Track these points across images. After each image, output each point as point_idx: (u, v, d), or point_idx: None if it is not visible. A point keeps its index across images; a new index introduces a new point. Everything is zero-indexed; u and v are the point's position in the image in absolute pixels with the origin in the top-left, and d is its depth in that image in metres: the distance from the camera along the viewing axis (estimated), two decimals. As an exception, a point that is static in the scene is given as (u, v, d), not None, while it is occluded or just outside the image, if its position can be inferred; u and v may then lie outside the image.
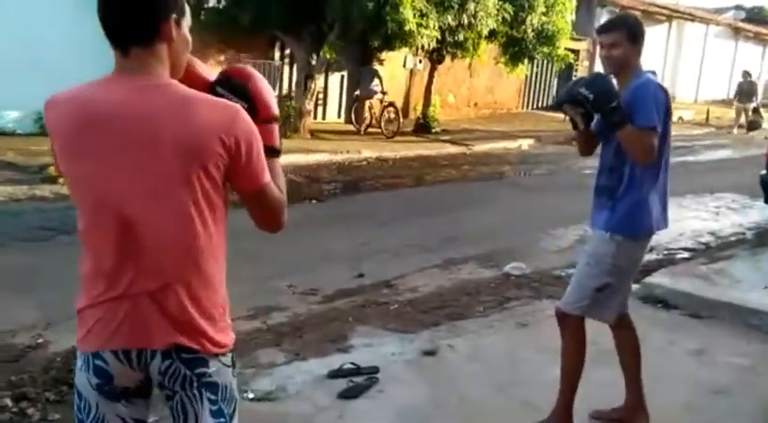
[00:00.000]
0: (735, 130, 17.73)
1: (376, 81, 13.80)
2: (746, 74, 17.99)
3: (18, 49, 10.31)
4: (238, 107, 1.51)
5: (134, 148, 1.45)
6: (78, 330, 1.60)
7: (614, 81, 2.79)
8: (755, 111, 17.63)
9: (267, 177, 1.56)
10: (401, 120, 13.71)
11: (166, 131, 1.44)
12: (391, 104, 13.71)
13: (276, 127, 1.67)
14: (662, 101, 2.75)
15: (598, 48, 2.91)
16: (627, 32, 2.80)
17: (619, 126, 2.70)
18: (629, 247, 2.84)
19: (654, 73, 2.91)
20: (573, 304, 2.93)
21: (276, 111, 1.66)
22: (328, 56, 12.65)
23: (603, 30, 2.87)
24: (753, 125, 17.40)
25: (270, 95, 1.65)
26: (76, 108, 1.48)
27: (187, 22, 1.56)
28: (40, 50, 10.49)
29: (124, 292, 1.52)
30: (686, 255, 6.48)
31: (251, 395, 3.29)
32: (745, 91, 17.36)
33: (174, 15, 1.49)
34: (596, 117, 2.82)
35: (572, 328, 2.96)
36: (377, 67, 14.31)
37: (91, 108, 1.47)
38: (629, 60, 2.81)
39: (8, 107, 10.42)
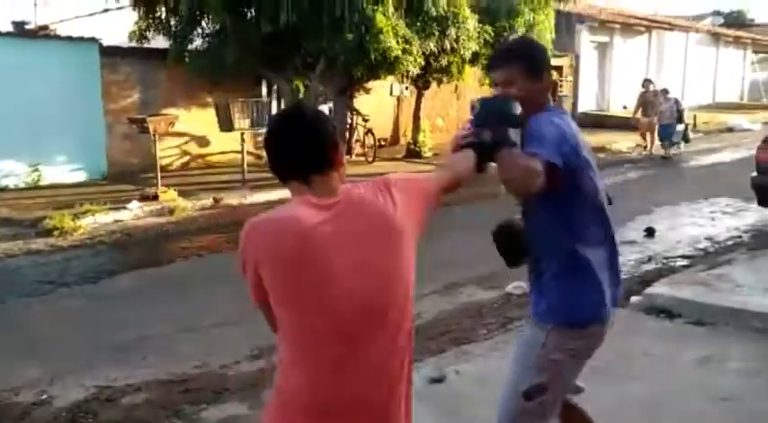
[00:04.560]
0: (650, 149, 14.93)
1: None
2: (648, 82, 15.45)
3: (8, 105, 10.38)
4: (382, 177, 1.82)
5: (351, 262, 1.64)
6: None
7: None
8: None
9: (428, 182, 1.92)
10: (376, 144, 13.91)
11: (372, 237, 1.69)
12: (369, 131, 13.94)
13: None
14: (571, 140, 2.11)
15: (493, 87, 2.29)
16: (522, 65, 2.18)
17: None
18: (567, 337, 2.16)
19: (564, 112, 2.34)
20: (503, 420, 2.25)
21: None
22: (300, 87, 12.69)
23: (493, 65, 2.27)
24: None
25: None
26: (288, 237, 1.62)
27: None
28: (31, 107, 10.57)
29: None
30: (685, 262, 6.49)
31: (260, 437, 3.26)
32: (650, 102, 14.73)
33: (340, 144, 1.76)
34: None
35: None
36: (357, 98, 14.34)
37: (301, 236, 1.61)
38: (533, 99, 2.16)
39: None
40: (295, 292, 1.62)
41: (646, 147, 15.21)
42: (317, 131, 1.70)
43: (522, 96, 2.12)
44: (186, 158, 12.97)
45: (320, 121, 1.73)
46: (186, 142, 12.90)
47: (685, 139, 14.96)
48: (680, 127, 14.47)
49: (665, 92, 14.99)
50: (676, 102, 14.57)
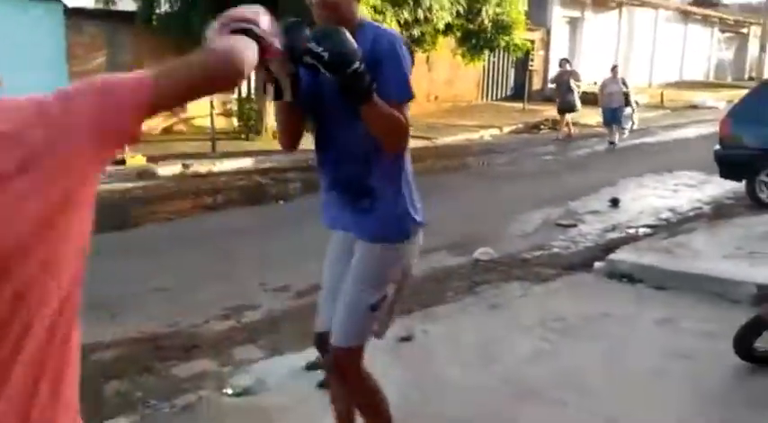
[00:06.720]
0: (560, 135, 14.27)
1: None
2: (565, 62, 14.72)
3: None
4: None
5: None
6: None
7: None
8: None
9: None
10: None
11: None
12: None
13: None
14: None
15: (315, 9, 2.00)
16: None
17: (363, 99, 1.90)
18: (409, 249, 2.23)
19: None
20: (351, 335, 2.22)
21: None
22: None
23: None
24: (567, 105, 14.05)
25: None
26: None
27: None
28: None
29: None
30: (648, 231, 6.65)
31: (230, 391, 3.31)
32: (566, 82, 14.04)
33: None
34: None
35: (358, 366, 2.30)
36: None
37: None
38: (354, 12, 2.05)
39: None
40: None
41: (558, 134, 14.32)
42: None
43: (347, 8, 2.01)
44: (157, 123, 12.78)
45: None
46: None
47: (632, 123, 13.49)
48: (627, 110, 13.04)
49: (614, 70, 13.46)
50: (623, 82, 13.20)
